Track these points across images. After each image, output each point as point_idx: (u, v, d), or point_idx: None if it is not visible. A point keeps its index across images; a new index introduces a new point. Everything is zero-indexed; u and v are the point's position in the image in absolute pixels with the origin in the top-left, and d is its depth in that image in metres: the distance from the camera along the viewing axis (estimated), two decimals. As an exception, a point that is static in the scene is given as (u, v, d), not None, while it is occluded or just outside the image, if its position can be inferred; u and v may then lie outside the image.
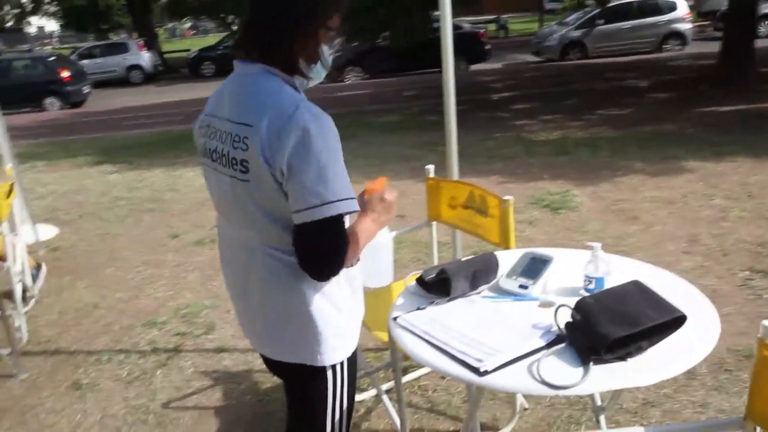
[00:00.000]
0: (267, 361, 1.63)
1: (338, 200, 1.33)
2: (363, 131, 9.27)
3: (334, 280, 1.48)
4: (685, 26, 16.35)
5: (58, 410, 2.98)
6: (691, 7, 17.36)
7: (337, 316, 1.51)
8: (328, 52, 1.48)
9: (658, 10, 16.38)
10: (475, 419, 1.90)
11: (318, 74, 1.51)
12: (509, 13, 33.65)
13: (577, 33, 16.66)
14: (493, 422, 2.64)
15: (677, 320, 1.50)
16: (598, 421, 2.19)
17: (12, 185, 3.97)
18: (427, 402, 2.82)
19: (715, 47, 11.18)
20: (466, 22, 18.32)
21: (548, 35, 17.58)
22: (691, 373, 2.83)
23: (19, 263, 4.01)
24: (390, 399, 2.63)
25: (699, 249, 4.05)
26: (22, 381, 3.25)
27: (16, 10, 39.06)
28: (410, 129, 9.08)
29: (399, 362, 2.21)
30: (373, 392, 2.84)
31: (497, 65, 17.21)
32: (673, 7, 16.33)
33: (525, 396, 2.73)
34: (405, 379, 2.96)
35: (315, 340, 1.49)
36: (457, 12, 17.93)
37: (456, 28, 17.03)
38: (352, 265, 1.52)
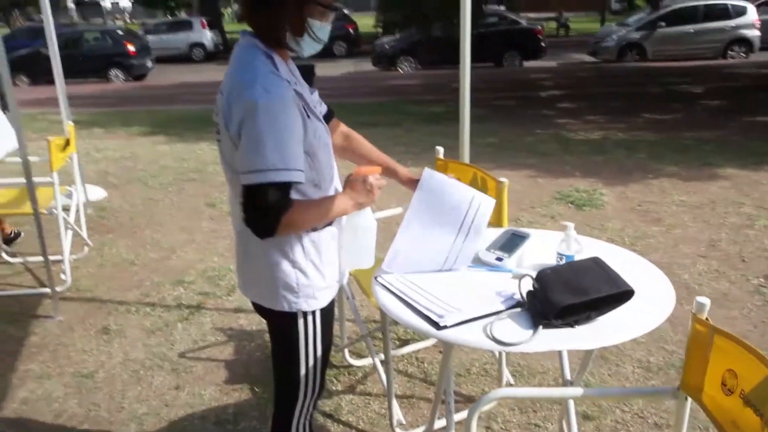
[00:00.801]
0: (252, 303, 1.81)
1: (269, 169, 1.44)
2: (408, 120, 9.42)
3: (295, 241, 1.61)
4: (753, 33, 15.80)
5: (86, 350, 3.27)
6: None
7: (293, 272, 1.63)
8: (319, 26, 1.56)
9: (726, 15, 15.89)
10: (448, 379, 2.04)
11: (310, 47, 1.59)
12: (573, 11, 33.10)
13: (636, 35, 16.33)
14: (480, 395, 2.77)
15: (625, 294, 1.61)
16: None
17: (68, 140, 4.28)
18: (421, 372, 2.97)
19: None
20: (525, 18, 18.15)
21: (606, 36, 17.29)
22: (680, 368, 2.90)
23: (72, 215, 4.34)
24: (383, 366, 2.78)
25: (716, 254, 4.06)
26: (59, 322, 3.56)
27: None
28: (454, 120, 9.10)
29: (387, 325, 2.37)
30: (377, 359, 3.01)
31: (552, 63, 17.05)
32: (741, 12, 15.82)
33: (512, 373, 2.87)
34: (404, 350, 3.12)
35: (271, 290, 1.65)
36: (521, 6, 17.81)
37: (513, 23, 17.03)
38: (315, 230, 1.64)
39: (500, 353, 2.71)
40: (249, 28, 1.60)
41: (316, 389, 1.81)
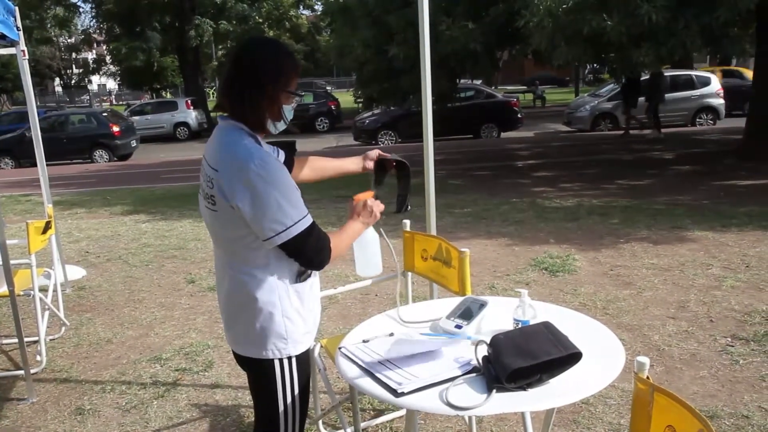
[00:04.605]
0: (234, 354, 1.99)
1: (298, 220, 1.75)
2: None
3: (283, 293, 1.84)
4: (718, 101, 16.46)
5: (59, 432, 3.24)
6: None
7: (282, 321, 1.84)
8: (288, 109, 1.86)
9: (691, 85, 16.58)
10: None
11: (281, 127, 1.89)
12: (549, 83, 34.29)
13: (608, 105, 16.91)
14: (453, 464, 2.78)
15: (573, 356, 1.68)
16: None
17: (48, 223, 4.35)
18: (396, 442, 2.98)
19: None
20: (502, 91, 18.78)
21: (580, 106, 17.88)
22: (651, 430, 2.92)
23: (50, 295, 4.36)
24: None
25: (685, 315, 4.15)
26: (32, 404, 3.53)
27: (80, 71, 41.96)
28: (432, 191, 9.34)
29: (356, 395, 2.41)
30: (350, 430, 3.01)
31: (529, 134, 17.54)
32: (706, 83, 16.52)
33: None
34: (379, 420, 3.13)
35: (261, 338, 1.85)
36: (499, 80, 18.42)
37: (489, 96, 17.63)
38: (299, 282, 1.88)
39: (470, 420, 2.74)
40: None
41: None
